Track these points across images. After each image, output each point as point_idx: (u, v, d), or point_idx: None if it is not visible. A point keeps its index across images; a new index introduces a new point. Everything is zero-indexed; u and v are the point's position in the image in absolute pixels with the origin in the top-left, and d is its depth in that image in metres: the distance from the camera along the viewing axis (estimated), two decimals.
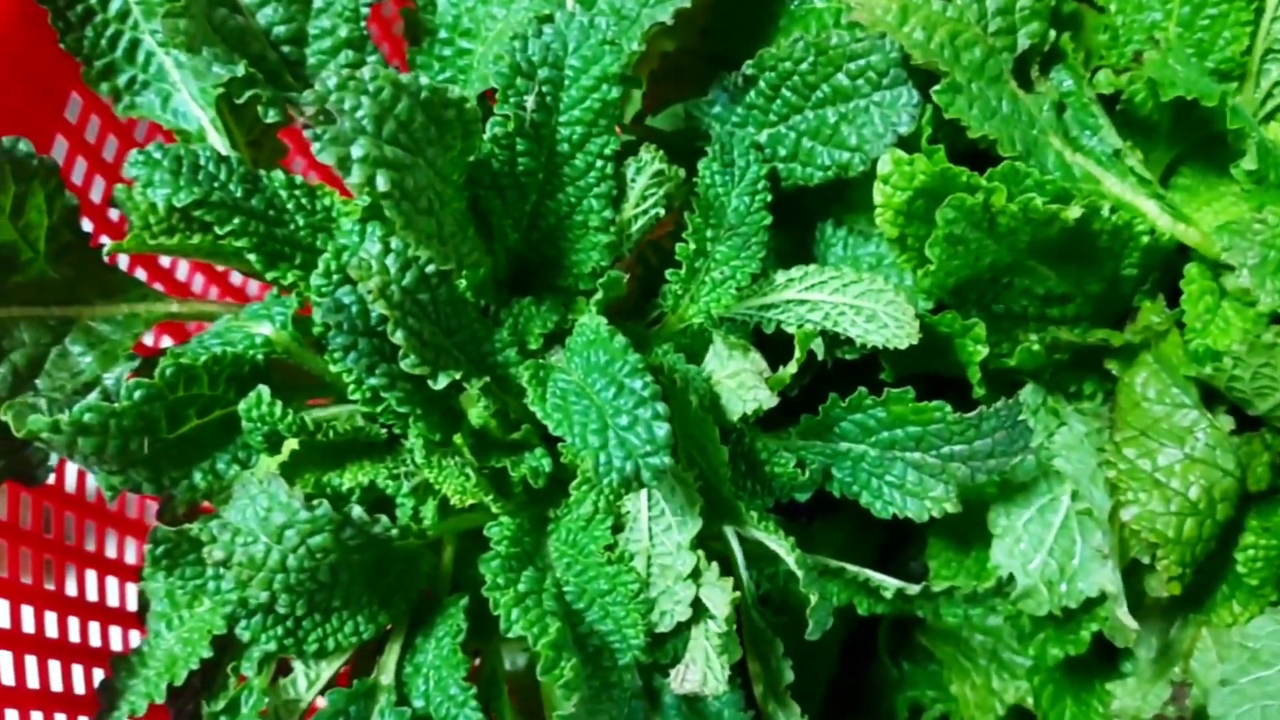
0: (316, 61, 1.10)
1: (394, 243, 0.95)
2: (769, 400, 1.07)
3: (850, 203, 1.32)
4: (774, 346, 1.31)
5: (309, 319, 1.05)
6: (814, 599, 1.04)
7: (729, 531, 1.16)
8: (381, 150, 0.88)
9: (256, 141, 1.18)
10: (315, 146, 0.86)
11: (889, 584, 1.19)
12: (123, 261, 1.16)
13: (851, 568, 1.21)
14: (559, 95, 1.08)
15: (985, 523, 1.26)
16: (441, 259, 0.96)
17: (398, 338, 0.92)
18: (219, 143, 1.13)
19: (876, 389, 1.35)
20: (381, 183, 0.87)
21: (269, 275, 1.05)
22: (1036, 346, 1.21)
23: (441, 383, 0.96)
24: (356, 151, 0.87)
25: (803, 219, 1.33)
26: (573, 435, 0.97)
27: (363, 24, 1.11)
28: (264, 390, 0.99)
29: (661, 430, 0.95)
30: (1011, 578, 1.19)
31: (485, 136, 1.05)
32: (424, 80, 0.93)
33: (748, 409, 1.10)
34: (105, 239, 1.14)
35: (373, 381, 0.94)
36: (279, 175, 1.10)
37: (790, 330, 1.24)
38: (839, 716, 1.44)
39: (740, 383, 1.12)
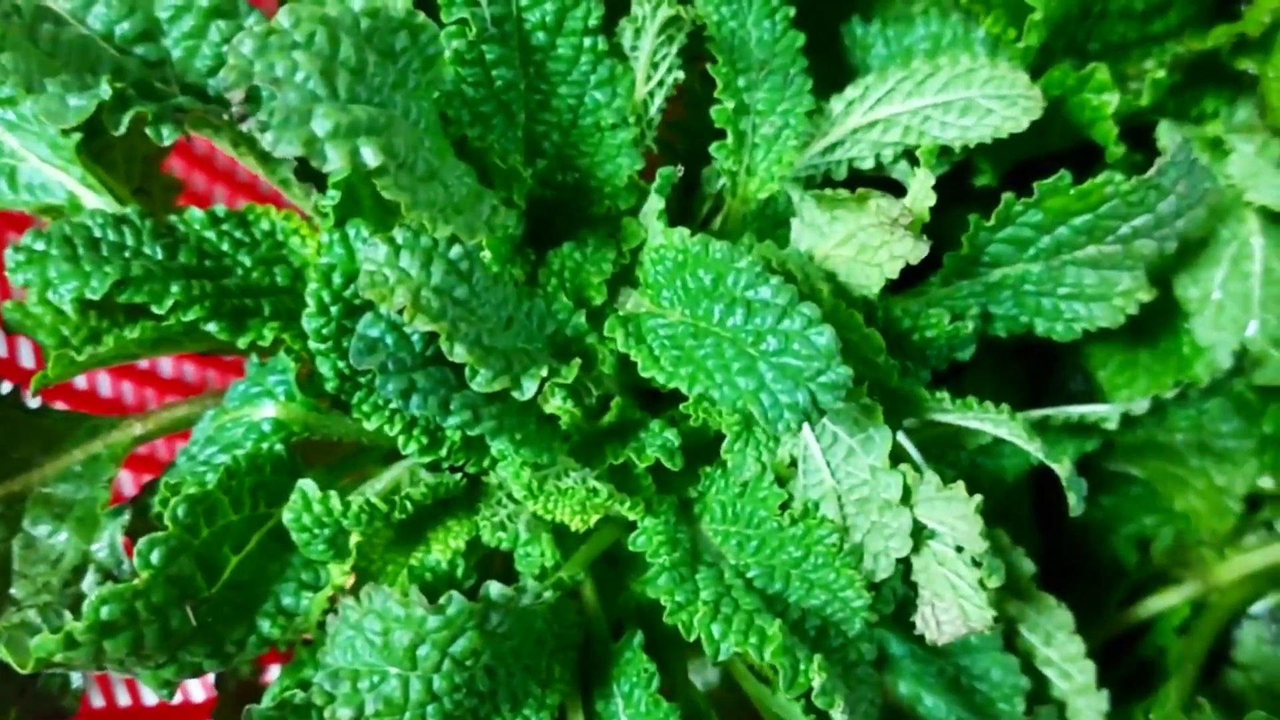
0: (185, 51, 0.88)
1: (399, 235, 0.76)
2: (918, 248, 0.89)
3: None
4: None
5: (315, 375, 0.85)
6: (1064, 470, 0.88)
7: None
8: (349, 112, 0.68)
9: (142, 188, 0.96)
10: (267, 138, 0.65)
11: (1103, 413, 1.04)
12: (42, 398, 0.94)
13: (1052, 412, 1.05)
14: None
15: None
16: (466, 231, 0.76)
17: (458, 354, 0.73)
18: (100, 203, 0.91)
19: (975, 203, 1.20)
20: (369, 154, 0.68)
21: (240, 342, 0.85)
22: (1161, 73, 1.05)
23: (529, 389, 0.77)
24: (322, 125, 0.66)
25: (819, 28, 1.14)
26: (715, 386, 0.79)
27: None
28: (307, 487, 0.79)
29: (823, 337, 0.78)
30: (1242, 350, 1.04)
31: (445, 56, 0.85)
32: (355, 4, 0.72)
33: (889, 271, 0.92)
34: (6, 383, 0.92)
35: (454, 421, 0.75)
36: (195, 214, 0.90)
37: (866, 168, 1.07)
38: (1066, 587, 1.30)
39: (861, 245, 0.94)
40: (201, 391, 1.06)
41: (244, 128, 0.66)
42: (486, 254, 0.88)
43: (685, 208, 1.06)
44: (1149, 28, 1.10)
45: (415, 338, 0.76)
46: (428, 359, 0.76)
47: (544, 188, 0.94)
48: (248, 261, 0.90)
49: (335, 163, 0.66)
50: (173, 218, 0.89)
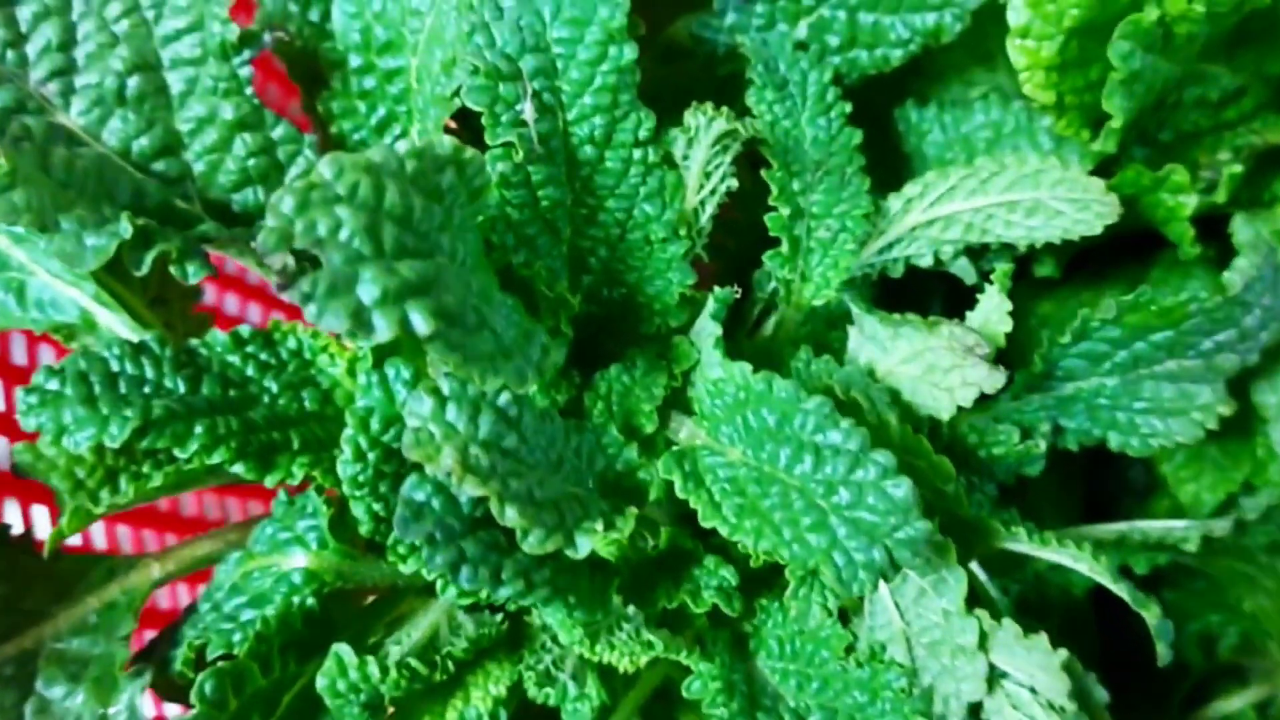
0: (207, 165, 0.84)
1: (445, 383, 0.72)
2: (994, 378, 0.86)
3: (930, 70, 1.11)
4: (891, 287, 1.11)
5: (346, 514, 0.82)
6: (1153, 618, 0.85)
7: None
8: (396, 272, 0.65)
9: (160, 296, 0.92)
10: (310, 310, 0.62)
11: (1181, 533, 1.01)
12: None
13: (1126, 530, 1.02)
14: (558, 85, 0.84)
15: None
16: (517, 380, 0.73)
17: (510, 518, 0.69)
18: (117, 323, 0.88)
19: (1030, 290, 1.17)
20: (419, 320, 0.64)
21: (268, 481, 0.82)
22: (1238, 166, 1.02)
23: (584, 548, 0.74)
24: (369, 292, 0.63)
25: (871, 114, 1.11)
26: (783, 544, 0.76)
27: (249, 91, 0.86)
28: (344, 653, 0.76)
29: (901, 489, 0.75)
30: None
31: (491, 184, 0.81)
32: (400, 146, 0.69)
33: (961, 399, 0.89)
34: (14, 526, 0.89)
35: (505, 592, 0.72)
36: (217, 337, 0.86)
37: (924, 265, 1.04)
38: (1127, 685, 1.27)
39: (928, 366, 0.91)
40: (222, 524, 1.03)
41: (285, 296, 0.62)
42: (532, 387, 0.84)
43: (736, 310, 1.02)
44: (1222, 115, 1.07)
45: (463, 499, 0.72)
46: (476, 521, 0.72)
47: (590, 304, 0.91)
48: (274, 387, 0.87)
49: (384, 334, 0.63)
50: (194, 341, 0.86)
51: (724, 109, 0.86)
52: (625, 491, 0.85)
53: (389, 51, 0.91)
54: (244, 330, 0.87)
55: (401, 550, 0.81)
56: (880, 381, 0.94)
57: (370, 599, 0.90)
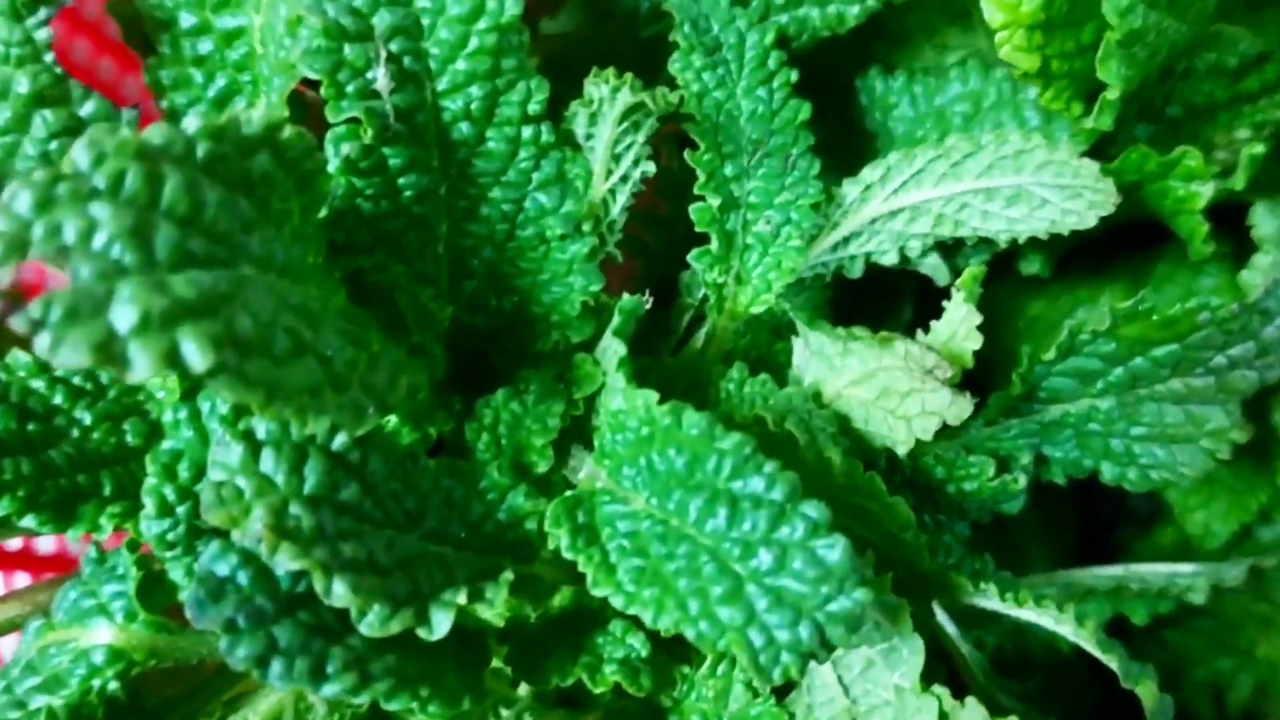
0: (3, 151, 0.71)
1: (262, 427, 0.59)
2: (958, 406, 0.73)
3: (896, 32, 0.97)
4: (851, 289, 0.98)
5: (163, 575, 0.69)
6: (1148, 697, 0.71)
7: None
8: (169, 290, 0.51)
9: None
10: (41, 341, 0.48)
11: (1186, 582, 0.87)
12: None
13: (1123, 575, 0.89)
14: (423, 48, 0.70)
15: None
16: (352, 419, 0.59)
17: (338, 596, 0.56)
18: None
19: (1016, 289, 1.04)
20: (193, 352, 0.50)
21: (70, 535, 0.68)
22: (1260, 147, 0.88)
23: (440, 627, 0.61)
24: (125, 317, 0.49)
25: (827, 84, 0.98)
26: (688, 620, 0.62)
27: (49, 59, 0.72)
28: None
29: (835, 552, 0.62)
30: None
31: (331, 165, 0.68)
32: (189, 123, 0.55)
33: (919, 430, 0.75)
34: None
35: (331, 690, 0.58)
36: (19, 359, 0.73)
37: (888, 262, 0.90)
38: None
39: (882, 389, 0.77)
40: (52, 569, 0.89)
41: (12, 325, 0.49)
42: (391, 419, 0.71)
43: (660, 322, 0.89)
44: (1241, 85, 0.93)
45: (282, 574, 0.59)
46: (296, 600, 0.59)
47: (474, 315, 0.77)
48: (87, 419, 0.73)
49: (142, 370, 0.49)
50: None
51: (628, 76, 0.72)
52: (509, 546, 0.71)
53: (226, 8, 0.77)
54: None
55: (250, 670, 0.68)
56: (827, 406, 0.80)
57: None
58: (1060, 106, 0.82)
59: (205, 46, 0.78)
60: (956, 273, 0.91)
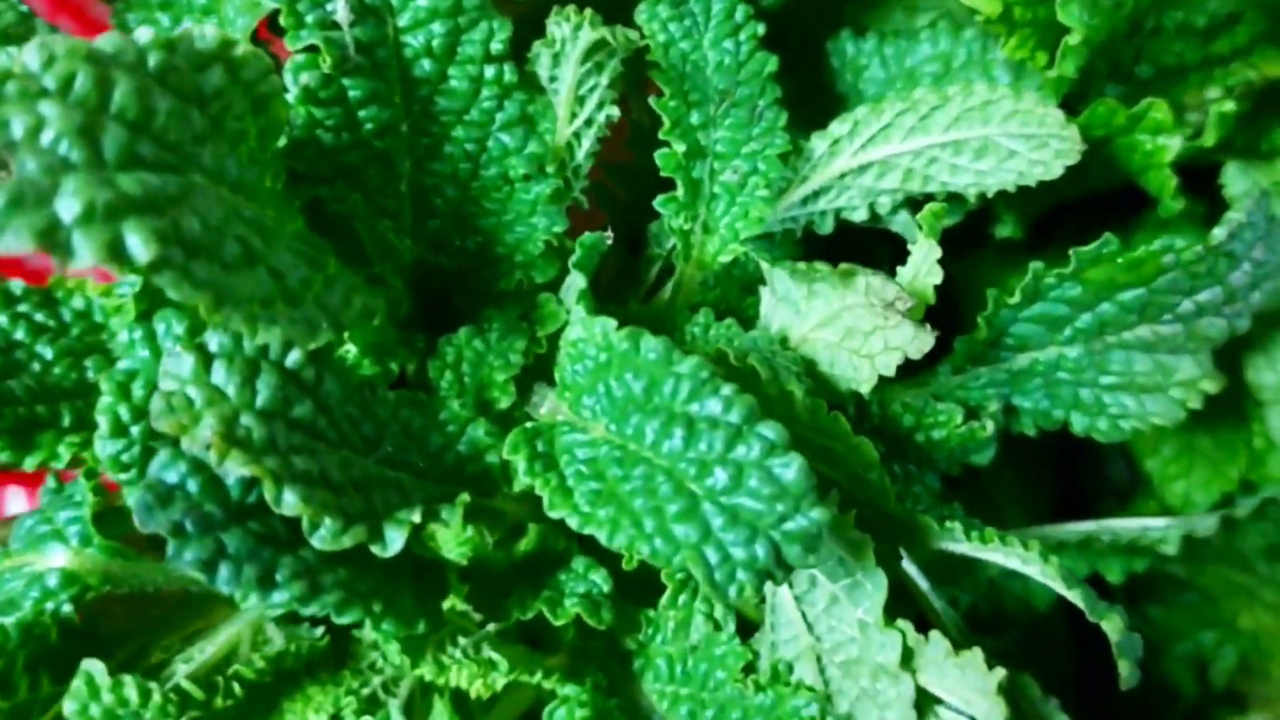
0: None
1: (214, 340, 0.59)
2: (920, 340, 0.73)
3: None
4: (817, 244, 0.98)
5: (120, 504, 0.69)
6: (1113, 631, 0.71)
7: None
8: (114, 185, 0.52)
9: None
10: None
11: (1157, 534, 0.88)
12: None
13: (1093, 530, 0.89)
14: None
15: None
16: (304, 332, 0.60)
17: (288, 505, 0.57)
18: None
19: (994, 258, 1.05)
20: (136, 243, 0.51)
21: (28, 463, 0.69)
22: (1229, 105, 0.89)
23: (393, 543, 0.61)
24: (69, 207, 0.50)
25: (798, 45, 0.99)
26: (643, 537, 0.63)
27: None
28: (95, 671, 0.63)
29: (790, 469, 0.62)
30: None
31: (291, 95, 0.69)
32: (142, 34, 0.56)
33: (882, 366, 0.76)
34: None
35: (280, 597, 0.59)
36: None
37: (858, 219, 0.91)
38: (1109, 717, 1.13)
39: (847, 329, 0.78)
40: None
41: None
42: (351, 348, 0.72)
43: (630, 272, 0.90)
44: (1212, 46, 0.94)
45: (231, 481, 0.59)
46: (246, 510, 0.59)
47: (438, 254, 0.78)
48: (49, 354, 0.74)
49: (85, 258, 0.50)
50: None
51: (589, 13, 0.73)
52: (469, 479, 0.72)
53: None
54: (15, 286, 0.74)
55: (197, 577, 0.68)
56: (793, 350, 0.81)
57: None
58: (1025, 55, 0.83)
59: None
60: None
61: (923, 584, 0.87)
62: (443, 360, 0.76)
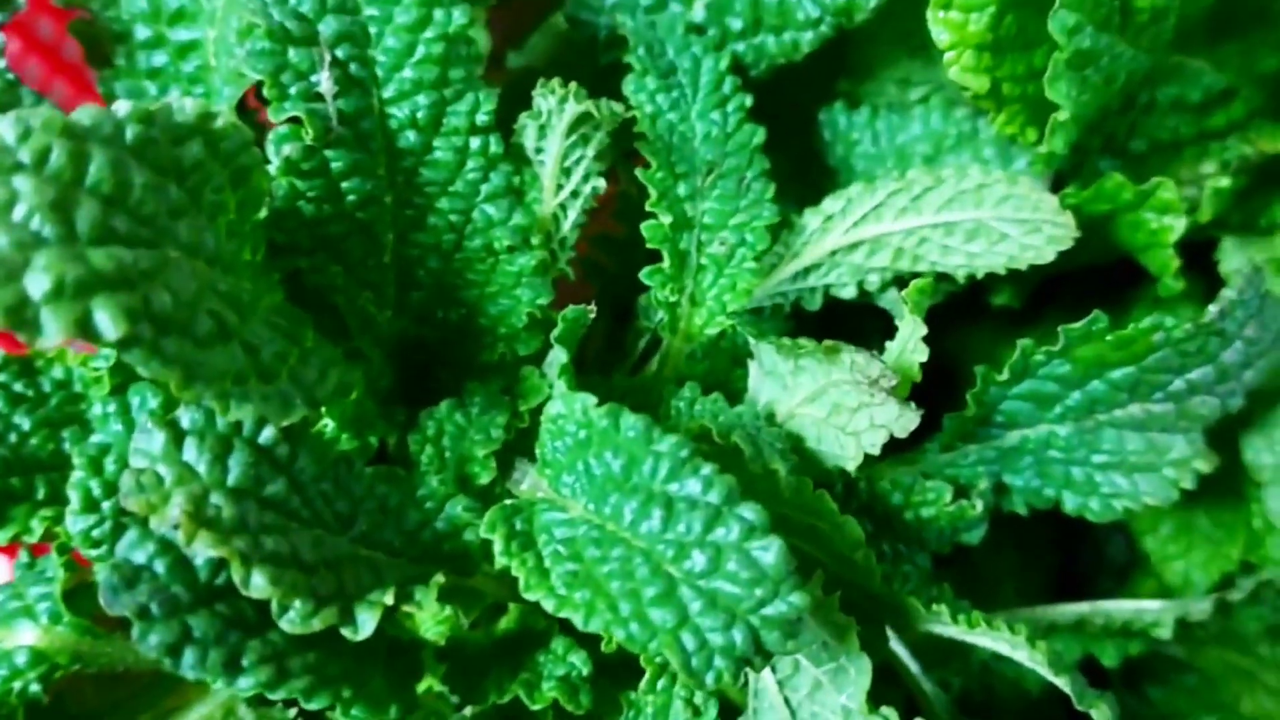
0: None
1: (187, 416, 0.59)
2: (906, 418, 0.73)
3: (859, 66, 0.99)
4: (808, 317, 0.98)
5: (91, 580, 0.69)
6: (1100, 718, 0.70)
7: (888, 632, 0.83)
8: (85, 261, 0.52)
9: None
10: None
11: (1152, 618, 0.87)
12: None
13: (1087, 612, 0.88)
14: (370, 55, 0.72)
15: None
16: (278, 409, 0.59)
17: (256, 588, 0.56)
18: None
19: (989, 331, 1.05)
20: (105, 320, 0.51)
21: (1, 536, 0.68)
22: (1225, 180, 0.89)
23: (364, 626, 0.60)
24: (38, 283, 0.50)
25: (787, 117, 0.99)
26: (618, 621, 0.62)
27: (1, 65, 0.74)
28: None
29: (769, 553, 0.61)
30: None
31: (273, 166, 0.69)
32: (120, 107, 0.56)
33: (868, 444, 0.75)
34: None
35: (246, 683, 0.58)
36: None
37: (847, 295, 0.91)
38: None
39: (833, 405, 0.77)
40: None
41: None
42: (329, 423, 0.71)
43: (617, 344, 0.89)
44: (1207, 121, 0.94)
45: (200, 561, 0.59)
46: (215, 592, 0.58)
47: (421, 326, 0.78)
48: (26, 424, 0.74)
49: (53, 335, 0.50)
50: None
51: (574, 85, 0.74)
52: (447, 557, 0.71)
53: (182, 21, 0.79)
54: None
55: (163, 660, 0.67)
56: (780, 426, 0.80)
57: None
58: (1015, 131, 0.83)
59: (160, 59, 0.80)
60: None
61: (913, 666, 0.86)
62: (423, 434, 0.75)
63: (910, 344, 0.74)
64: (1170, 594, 1.05)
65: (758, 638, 0.61)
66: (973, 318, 1.03)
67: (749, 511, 0.62)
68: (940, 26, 0.76)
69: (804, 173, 0.98)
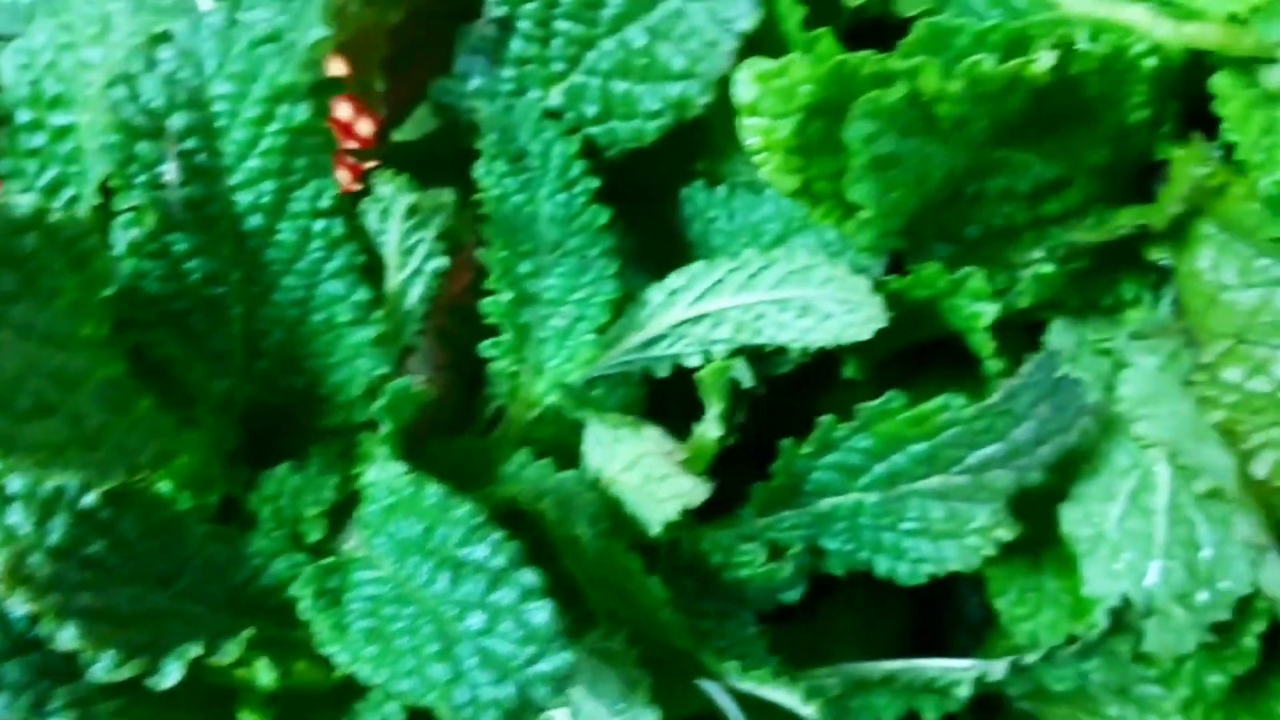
0: None
1: (14, 482, 0.67)
2: (697, 491, 0.80)
3: (718, 146, 1.06)
4: (676, 392, 1.05)
5: None
6: None
7: (706, 684, 0.90)
8: None
9: None
10: None
11: (961, 672, 0.93)
12: None
13: (898, 669, 0.95)
14: (217, 146, 0.80)
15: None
16: (99, 473, 0.67)
17: (65, 639, 0.63)
18: None
19: (845, 394, 1.11)
20: None
21: None
22: (1048, 267, 0.96)
23: (169, 675, 0.67)
24: None
25: (656, 193, 1.06)
26: (399, 676, 0.69)
27: None
28: None
29: (541, 615, 0.68)
30: (1125, 605, 0.94)
31: (117, 250, 0.77)
32: None
33: (669, 513, 0.83)
34: None
35: None
36: None
37: (694, 365, 0.98)
38: None
39: (647, 474, 0.85)
40: None
41: None
42: (166, 484, 0.79)
43: (469, 409, 0.97)
44: (1042, 209, 1.01)
45: (16, 615, 0.66)
46: (30, 642, 0.66)
47: (268, 393, 0.85)
48: None
49: None
50: None
51: (404, 177, 0.81)
52: (272, 611, 0.78)
53: (59, 107, 0.87)
54: None
55: None
56: (603, 490, 0.88)
57: None
58: (833, 223, 0.90)
59: (38, 141, 0.88)
60: (761, 378, 0.98)
61: (736, 715, 0.93)
62: (261, 493, 0.83)
63: (710, 426, 0.81)
64: (1019, 653, 1.11)
65: (527, 693, 0.68)
66: (826, 387, 1.10)
67: (528, 576, 0.69)
68: (749, 132, 0.84)
69: (667, 249, 1.05)
